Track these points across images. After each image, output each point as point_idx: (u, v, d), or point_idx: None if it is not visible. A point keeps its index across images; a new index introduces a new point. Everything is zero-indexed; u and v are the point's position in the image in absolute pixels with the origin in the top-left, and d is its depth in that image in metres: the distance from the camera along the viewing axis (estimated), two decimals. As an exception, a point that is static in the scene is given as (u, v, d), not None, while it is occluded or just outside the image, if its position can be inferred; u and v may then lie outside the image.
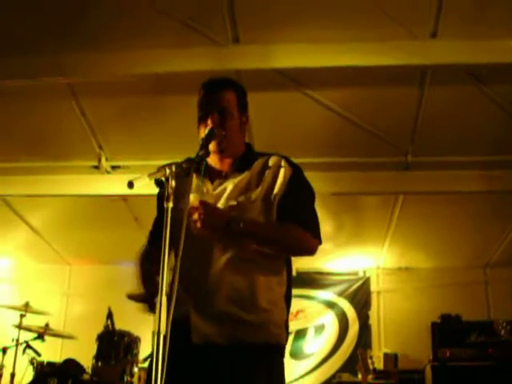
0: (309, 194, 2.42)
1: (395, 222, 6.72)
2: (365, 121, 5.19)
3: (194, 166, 2.25)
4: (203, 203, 2.16)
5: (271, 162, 2.39)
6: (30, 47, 4.49)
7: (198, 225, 2.14)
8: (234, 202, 2.29)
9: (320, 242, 2.34)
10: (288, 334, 2.37)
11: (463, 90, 4.84)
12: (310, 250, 2.34)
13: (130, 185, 1.86)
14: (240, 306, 2.20)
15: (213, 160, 2.42)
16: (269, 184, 2.32)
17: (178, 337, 2.07)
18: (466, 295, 7.32)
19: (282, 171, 2.35)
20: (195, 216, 2.14)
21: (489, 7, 4.09)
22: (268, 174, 2.35)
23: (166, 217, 1.86)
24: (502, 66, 4.38)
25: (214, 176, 2.40)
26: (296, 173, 2.38)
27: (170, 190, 1.90)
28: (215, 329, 2.18)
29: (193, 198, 2.16)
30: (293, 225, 2.28)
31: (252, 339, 2.19)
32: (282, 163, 2.38)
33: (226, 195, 2.32)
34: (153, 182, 1.98)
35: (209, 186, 2.38)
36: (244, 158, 2.42)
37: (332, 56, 4.33)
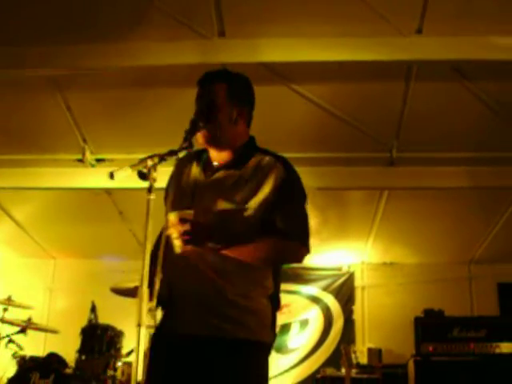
0: (299, 200, 2.38)
1: (380, 217, 6.75)
2: (350, 116, 5.20)
3: (190, 157, 2.28)
4: (182, 221, 2.15)
5: (264, 163, 2.35)
6: (15, 38, 4.45)
7: (178, 243, 2.15)
8: (219, 206, 2.27)
9: (308, 251, 2.33)
10: (274, 332, 2.36)
11: (448, 86, 4.85)
12: (297, 260, 2.35)
13: (111, 176, 1.87)
14: (222, 301, 2.22)
15: (211, 152, 2.42)
16: (258, 188, 2.29)
17: (165, 327, 2.14)
18: (450, 291, 7.37)
19: (273, 175, 2.31)
20: (175, 234, 2.15)
21: (473, 4, 4.10)
22: (258, 176, 2.31)
23: (148, 208, 1.86)
24: (487, 63, 4.40)
25: (209, 168, 2.40)
26: (289, 177, 2.34)
27: (152, 182, 1.91)
28: (199, 322, 2.21)
29: (173, 216, 2.15)
30: (277, 237, 2.25)
31: (233, 334, 2.20)
32: (276, 166, 2.34)
33: (211, 192, 2.31)
34: (135, 174, 1.97)
35: (202, 177, 2.39)
36: (241, 153, 2.39)
37: (318, 51, 4.32)
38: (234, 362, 2.18)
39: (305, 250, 2.32)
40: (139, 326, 1.72)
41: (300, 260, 2.34)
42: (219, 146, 2.39)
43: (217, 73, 2.47)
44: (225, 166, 2.38)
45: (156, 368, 2.24)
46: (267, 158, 2.36)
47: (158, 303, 2.09)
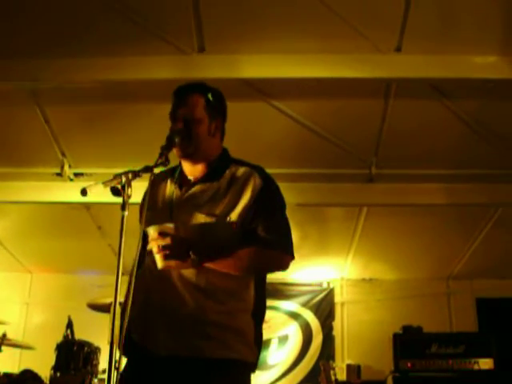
0: (279, 208, 2.37)
1: (359, 233, 6.76)
2: (330, 132, 5.22)
3: (164, 174, 2.26)
4: (162, 235, 2.13)
5: (240, 174, 2.34)
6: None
7: (159, 258, 2.13)
8: (199, 220, 2.25)
9: (292, 257, 2.32)
10: (259, 350, 2.33)
11: (427, 104, 4.89)
12: (281, 267, 2.33)
13: (84, 192, 1.85)
14: (203, 320, 2.20)
15: (185, 166, 2.40)
16: (237, 199, 2.28)
17: (143, 348, 2.11)
18: (429, 306, 7.40)
19: (251, 185, 2.30)
20: (155, 249, 2.13)
21: (453, 24, 4.15)
22: (236, 187, 2.30)
23: (122, 225, 1.84)
24: (466, 81, 4.45)
25: (184, 183, 2.38)
26: (266, 185, 2.33)
27: (126, 198, 1.89)
28: (178, 341, 2.18)
29: (152, 231, 2.14)
30: (259, 246, 2.24)
31: (214, 354, 2.17)
32: (253, 176, 2.33)
33: (189, 207, 2.29)
34: (109, 189, 1.95)
35: (177, 193, 2.37)
36: (216, 166, 2.38)
37: (298, 67, 4.34)
38: (215, 382, 2.16)
39: (289, 257, 2.31)
40: (111, 343, 1.69)
41: (285, 267, 2.33)
42: (195, 160, 2.37)
43: (193, 85, 2.46)
44: (200, 180, 2.36)
45: None
46: (243, 169, 2.36)
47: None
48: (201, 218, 2.25)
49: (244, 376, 2.27)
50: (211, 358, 2.16)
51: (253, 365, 2.31)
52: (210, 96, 2.41)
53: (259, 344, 2.34)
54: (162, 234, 2.11)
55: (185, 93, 2.40)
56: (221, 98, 2.48)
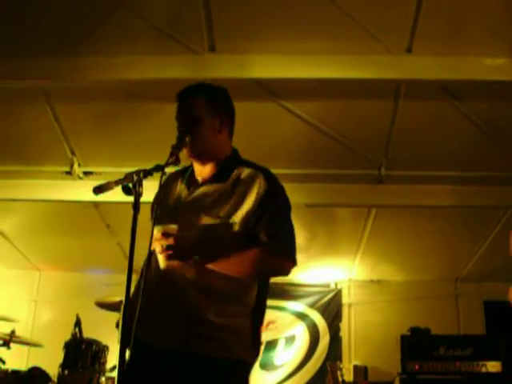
0: (283, 212, 2.36)
1: (368, 234, 6.75)
2: (339, 133, 5.22)
3: (176, 174, 2.27)
4: (165, 235, 2.15)
5: (245, 175, 2.34)
6: (6, 49, 4.43)
7: (162, 258, 2.16)
8: (203, 221, 2.26)
9: (295, 263, 2.31)
10: (257, 350, 2.34)
11: (437, 106, 4.88)
12: (283, 273, 2.32)
13: (96, 190, 1.86)
14: (202, 320, 2.21)
15: (195, 166, 2.42)
16: (241, 201, 2.28)
17: (145, 344, 2.12)
18: (437, 308, 7.37)
19: (255, 188, 2.29)
20: (158, 249, 2.15)
21: (463, 26, 4.14)
22: (240, 189, 2.30)
23: (134, 224, 1.85)
24: (476, 84, 4.44)
25: (192, 183, 2.40)
26: (271, 188, 2.32)
27: (138, 197, 1.90)
28: (177, 340, 2.20)
29: (156, 231, 2.15)
30: (261, 251, 2.24)
31: (211, 353, 2.19)
32: (257, 178, 2.32)
33: (196, 208, 2.31)
34: (120, 188, 1.97)
35: (185, 193, 2.38)
36: (224, 167, 2.38)
37: (308, 68, 4.34)
38: (212, 380, 2.18)
39: (291, 263, 2.30)
40: (121, 342, 1.70)
41: (286, 273, 2.32)
42: (203, 160, 2.39)
43: (194, 86, 2.47)
44: (207, 181, 2.37)
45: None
46: (248, 171, 2.36)
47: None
48: (206, 220, 2.26)
49: (242, 375, 2.29)
50: (209, 357, 2.18)
51: (251, 365, 2.33)
52: (210, 94, 2.43)
53: (257, 345, 2.35)
54: (165, 235, 2.14)
55: (185, 95, 2.42)
56: (223, 95, 2.49)
